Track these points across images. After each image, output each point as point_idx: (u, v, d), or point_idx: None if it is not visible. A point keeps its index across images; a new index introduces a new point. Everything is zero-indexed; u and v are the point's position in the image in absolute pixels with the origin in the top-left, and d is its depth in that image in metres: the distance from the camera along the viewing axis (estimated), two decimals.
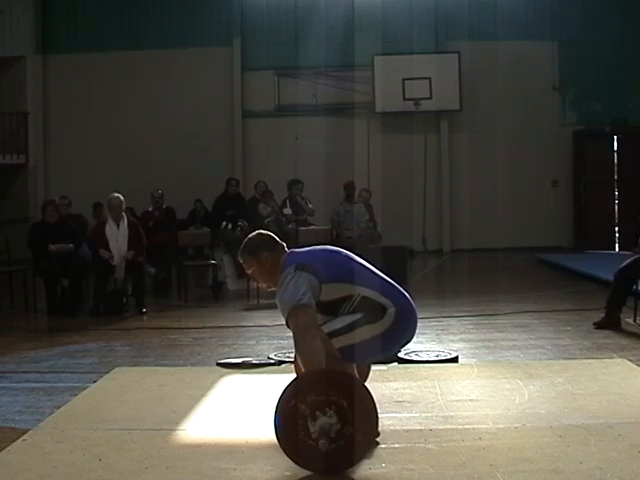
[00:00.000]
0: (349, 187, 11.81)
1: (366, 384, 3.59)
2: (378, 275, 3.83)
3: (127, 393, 4.83)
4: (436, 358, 5.69)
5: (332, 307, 3.68)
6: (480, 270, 12.45)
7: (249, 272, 3.92)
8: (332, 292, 3.67)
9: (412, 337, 3.85)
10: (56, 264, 8.62)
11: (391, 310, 3.67)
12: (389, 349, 3.85)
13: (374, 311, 3.66)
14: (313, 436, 3.34)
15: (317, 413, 3.34)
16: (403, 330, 3.75)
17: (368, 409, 3.38)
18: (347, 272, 3.74)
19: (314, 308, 3.61)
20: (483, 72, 14.95)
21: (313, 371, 3.47)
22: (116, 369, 5.53)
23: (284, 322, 3.65)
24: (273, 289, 3.86)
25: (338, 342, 3.62)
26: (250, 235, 3.98)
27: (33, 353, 6.33)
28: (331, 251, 3.91)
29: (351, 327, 3.63)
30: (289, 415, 3.38)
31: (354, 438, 3.34)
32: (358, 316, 3.65)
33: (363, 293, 3.68)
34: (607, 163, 15.19)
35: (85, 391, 4.92)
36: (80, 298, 9.00)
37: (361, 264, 3.84)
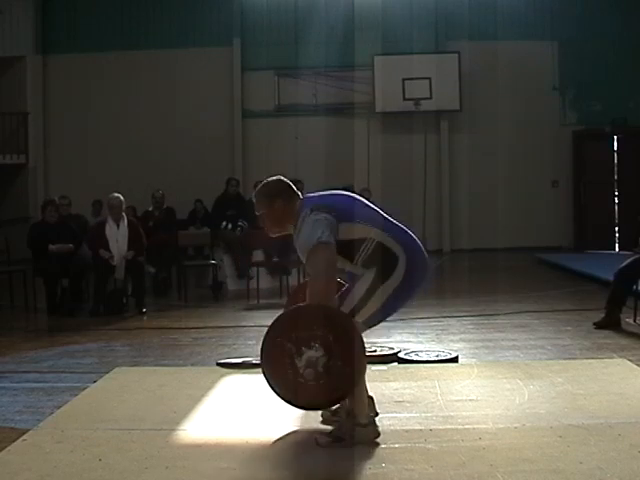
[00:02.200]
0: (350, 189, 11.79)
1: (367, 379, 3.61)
2: (389, 219, 3.82)
3: (127, 393, 4.82)
4: (436, 358, 5.68)
5: (348, 249, 3.65)
6: (480, 270, 12.45)
7: (258, 213, 3.91)
8: (348, 232, 3.65)
9: (426, 279, 3.85)
10: (56, 264, 8.62)
11: (402, 259, 3.65)
12: (407, 298, 3.83)
13: (387, 263, 3.63)
14: (300, 371, 3.34)
15: (303, 349, 3.34)
16: (416, 277, 3.75)
17: (354, 341, 3.37)
18: (362, 213, 3.74)
19: (334, 246, 3.58)
20: (483, 72, 14.96)
21: (295, 307, 3.49)
22: (116, 369, 5.53)
23: (304, 263, 3.63)
24: (277, 235, 3.91)
25: (360, 317, 3.62)
26: (270, 179, 3.95)
27: (33, 353, 6.33)
28: (345, 195, 3.89)
29: (367, 297, 3.61)
30: (275, 354, 3.38)
31: (342, 371, 3.33)
32: (371, 277, 3.61)
33: (377, 238, 3.67)
34: (607, 163, 15.20)
35: (85, 391, 4.91)
36: (80, 298, 9.00)
37: (373, 208, 3.83)
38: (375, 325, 3.76)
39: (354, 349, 3.39)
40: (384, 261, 3.65)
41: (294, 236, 3.77)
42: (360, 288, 3.64)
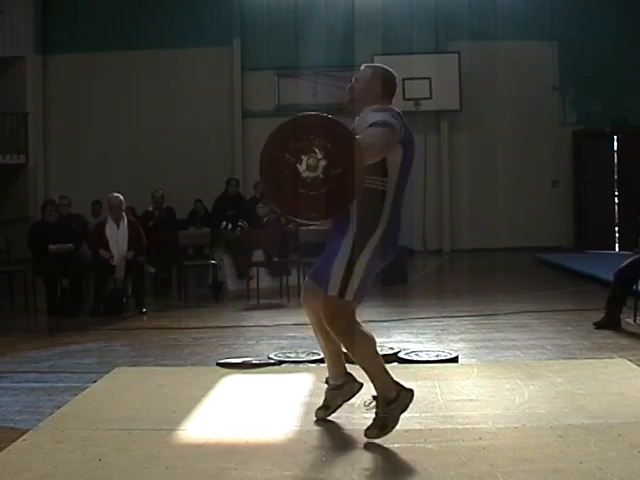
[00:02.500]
0: None
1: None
2: (404, 194, 3.80)
3: (127, 393, 4.83)
4: (436, 358, 5.68)
5: (375, 167, 3.62)
6: (480, 270, 12.45)
7: (353, 79, 3.97)
8: (393, 154, 3.65)
9: (394, 253, 3.86)
10: (56, 264, 8.63)
11: (380, 229, 3.65)
12: (380, 266, 3.84)
13: (371, 223, 3.64)
14: (303, 175, 3.33)
15: (302, 157, 3.34)
16: (387, 251, 3.74)
17: (353, 150, 3.35)
18: (409, 162, 3.74)
19: (395, 135, 3.58)
20: (483, 72, 14.96)
21: (290, 120, 3.49)
22: (116, 369, 5.52)
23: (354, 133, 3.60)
24: (348, 103, 3.93)
25: (349, 294, 3.62)
26: (388, 68, 4.01)
27: (33, 353, 6.33)
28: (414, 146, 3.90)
29: (348, 273, 3.62)
30: (274, 167, 3.37)
31: (342, 179, 3.33)
32: (348, 248, 3.62)
33: (388, 190, 3.66)
34: (607, 163, 15.21)
35: (85, 391, 4.91)
36: (80, 298, 9.00)
37: (411, 174, 3.82)
38: (362, 299, 3.74)
39: (353, 157, 3.35)
40: (369, 219, 3.64)
41: (360, 120, 3.79)
42: (340, 264, 3.63)
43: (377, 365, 3.78)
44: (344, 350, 3.90)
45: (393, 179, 3.68)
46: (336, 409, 4.06)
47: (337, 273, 3.64)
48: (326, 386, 4.13)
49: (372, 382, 3.80)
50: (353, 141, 3.38)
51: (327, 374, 4.12)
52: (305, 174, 3.33)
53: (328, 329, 3.76)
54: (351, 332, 3.69)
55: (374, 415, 3.76)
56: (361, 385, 4.05)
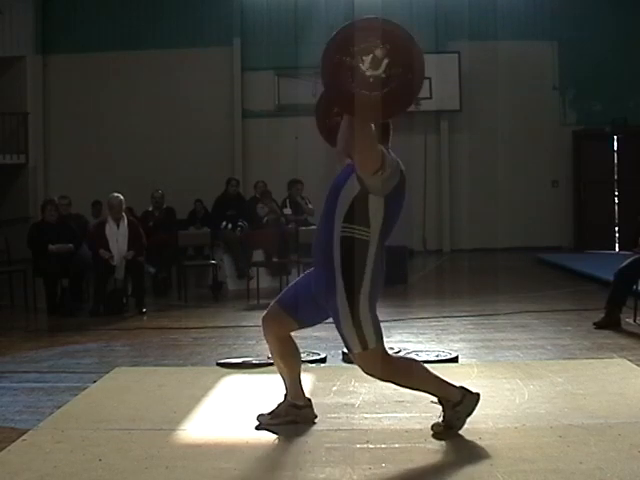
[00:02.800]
0: None
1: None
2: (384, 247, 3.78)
3: (127, 393, 4.82)
4: (436, 358, 5.68)
5: (359, 217, 3.62)
6: (480, 270, 12.45)
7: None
8: (377, 208, 3.62)
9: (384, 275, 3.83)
10: (56, 264, 8.63)
11: (367, 276, 3.61)
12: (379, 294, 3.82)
13: (357, 273, 3.60)
14: (367, 73, 3.29)
15: (363, 57, 3.32)
16: (378, 287, 3.70)
17: (413, 49, 3.36)
18: (394, 215, 3.71)
19: (386, 158, 3.63)
20: (483, 72, 14.97)
21: (346, 25, 3.48)
22: (116, 369, 5.52)
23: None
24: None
25: (370, 339, 3.60)
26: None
27: (33, 353, 6.32)
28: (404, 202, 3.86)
29: (357, 321, 3.60)
30: (336, 71, 3.37)
31: (404, 79, 3.30)
32: (344, 302, 3.60)
33: (372, 237, 3.62)
34: (607, 163, 15.23)
35: (85, 391, 4.91)
36: (80, 298, 9.00)
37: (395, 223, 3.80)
38: (381, 329, 3.70)
39: (413, 56, 3.35)
40: (351, 271, 3.60)
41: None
42: (347, 325, 3.61)
43: (430, 382, 3.81)
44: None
45: (376, 230, 3.65)
46: (282, 424, 3.99)
47: (350, 334, 3.62)
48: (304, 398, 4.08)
49: (436, 397, 3.84)
50: (411, 40, 3.38)
51: (286, 391, 4.08)
52: (368, 73, 3.30)
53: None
54: (392, 374, 3.73)
55: (443, 417, 3.80)
56: (316, 416, 4.04)
